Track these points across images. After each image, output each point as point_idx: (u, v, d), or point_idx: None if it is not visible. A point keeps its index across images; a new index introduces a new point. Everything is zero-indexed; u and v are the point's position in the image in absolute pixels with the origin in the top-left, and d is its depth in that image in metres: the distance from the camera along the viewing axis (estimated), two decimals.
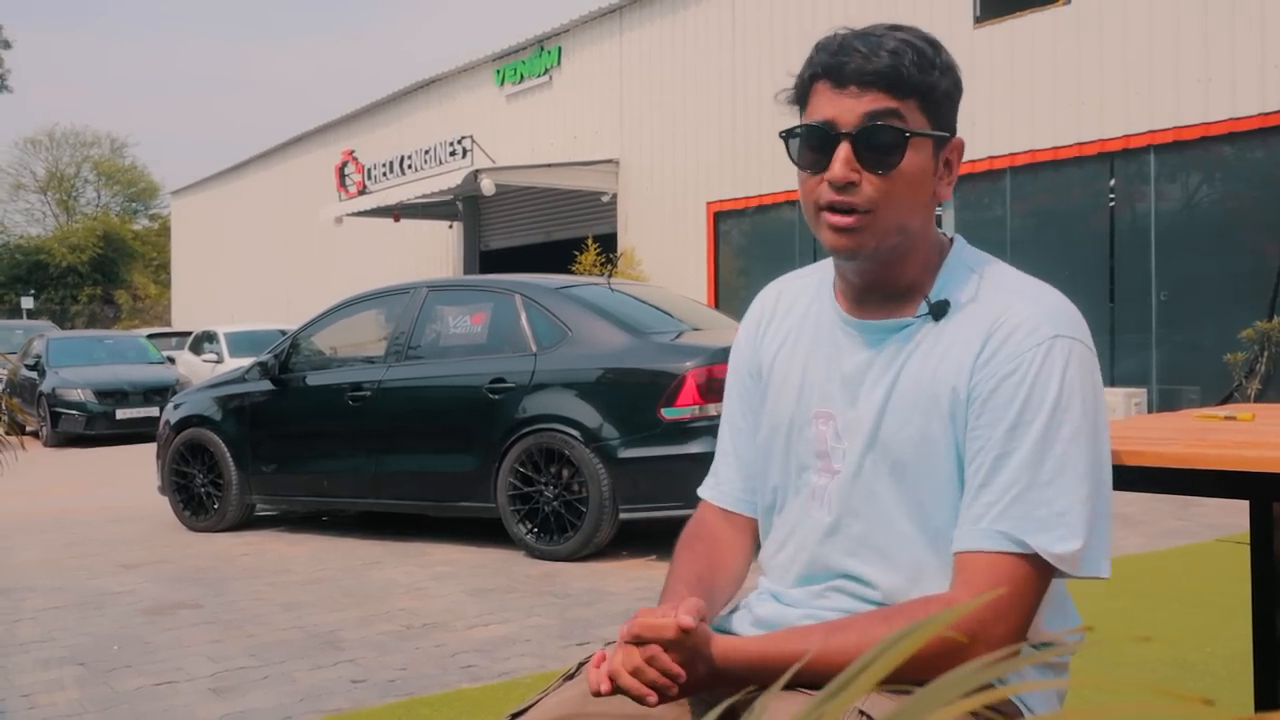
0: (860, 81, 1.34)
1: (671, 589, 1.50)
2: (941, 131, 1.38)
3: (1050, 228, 12.94)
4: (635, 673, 1.30)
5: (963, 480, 1.37)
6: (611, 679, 1.32)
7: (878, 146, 1.34)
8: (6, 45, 48.08)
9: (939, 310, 1.40)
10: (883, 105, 1.34)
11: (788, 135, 1.41)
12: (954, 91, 1.39)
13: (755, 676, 1.31)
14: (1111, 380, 11.69)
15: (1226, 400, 9.90)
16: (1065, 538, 1.29)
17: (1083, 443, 1.32)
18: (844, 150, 1.35)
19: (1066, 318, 1.37)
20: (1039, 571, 1.31)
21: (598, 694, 1.33)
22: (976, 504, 1.33)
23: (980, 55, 13.31)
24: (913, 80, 1.33)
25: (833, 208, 1.36)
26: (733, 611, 1.57)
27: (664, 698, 1.30)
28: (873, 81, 1.34)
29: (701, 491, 1.66)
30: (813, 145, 1.37)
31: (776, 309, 1.59)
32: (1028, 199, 13.21)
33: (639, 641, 1.31)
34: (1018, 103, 12.98)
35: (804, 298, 1.55)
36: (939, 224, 1.48)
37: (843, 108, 1.35)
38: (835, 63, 1.36)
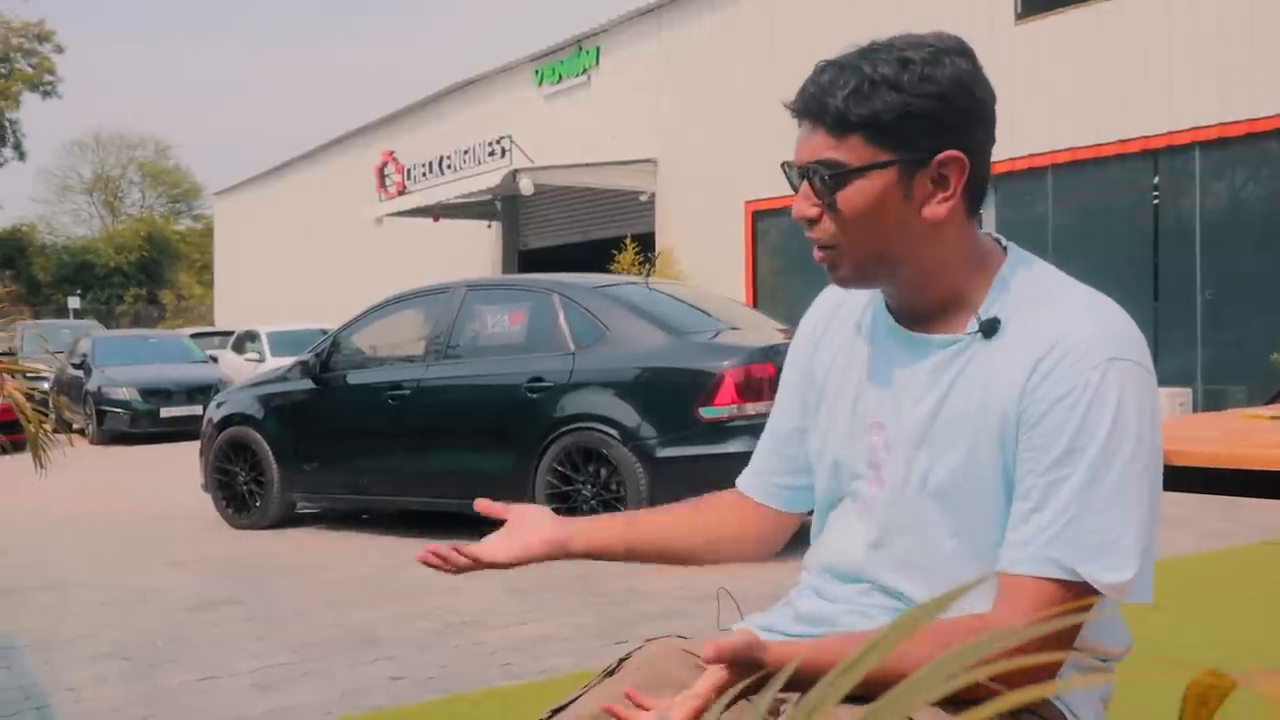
0: (806, 119, 1.37)
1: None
2: (904, 156, 1.32)
3: (1093, 226, 12.80)
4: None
5: (1009, 501, 1.34)
6: None
7: (820, 185, 1.36)
8: (58, 50, 48.87)
9: (989, 328, 1.36)
10: (822, 143, 1.35)
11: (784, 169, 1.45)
12: (928, 109, 1.32)
13: (799, 683, 1.30)
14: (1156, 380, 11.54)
15: (1273, 400, 9.74)
16: (1117, 566, 1.27)
17: (1138, 470, 1.29)
18: (803, 188, 1.38)
19: (1124, 338, 1.32)
20: (1087, 596, 1.29)
21: None
22: (1026, 526, 1.31)
23: (1022, 52, 13.19)
24: (847, 115, 1.32)
25: (812, 242, 1.40)
26: (777, 607, 1.58)
27: None
28: (815, 119, 1.35)
29: (739, 481, 1.68)
30: (788, 182, 1.43)
31: (836, 314, 1.57)
32: (1070, 197, 13.07)
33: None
34: (1060, 99, 12.84)
35: (860, 305, 1.53)
36: (979, 224, 1.46)
37: (800, 145, 1.38)
38: (794, 100, 1.39)
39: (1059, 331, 1.32)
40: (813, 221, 1.37)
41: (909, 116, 1.31)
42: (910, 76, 1.31)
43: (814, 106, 1.35)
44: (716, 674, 1.30)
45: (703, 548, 1.65)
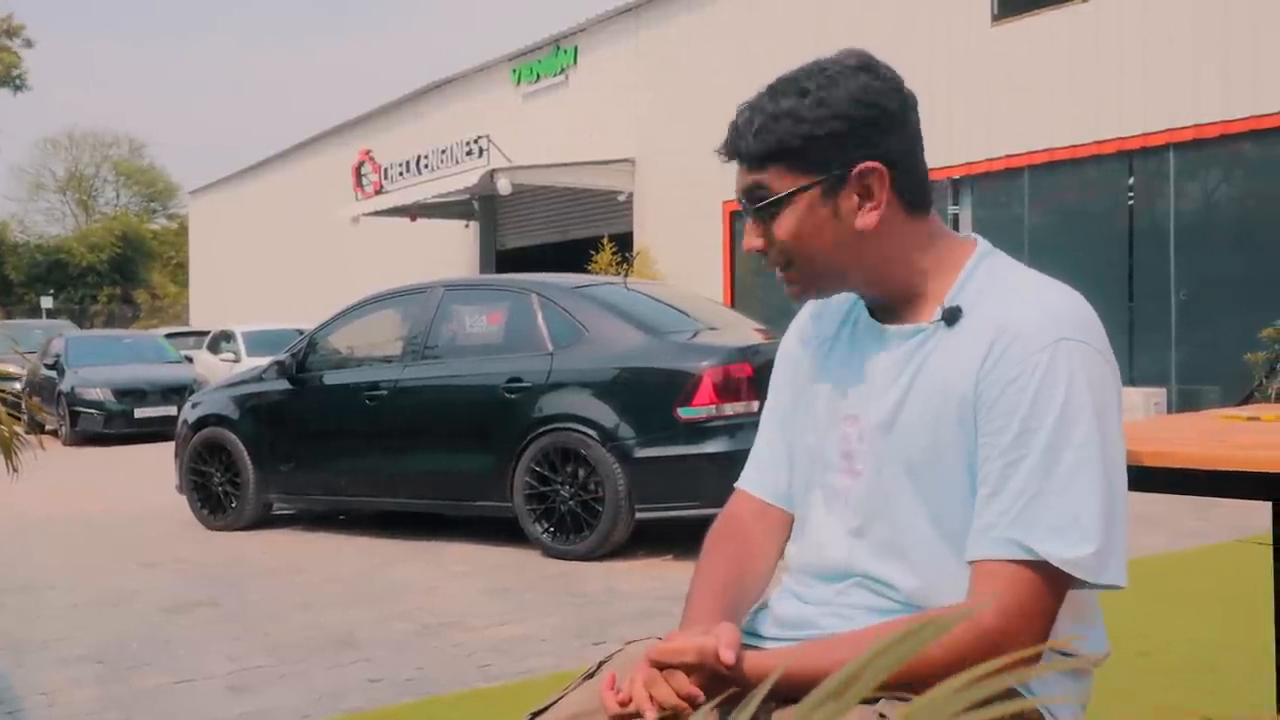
0: (733, 159, 1.47)
1: (697, 598, 1.50)
2: (821, 177, 1.39)
3: (1069, 227, 12.88)
4: (649, 688, 1.33)
5: (974, 484, 1.36)
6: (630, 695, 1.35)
7: (758, 216, 1.44)
8: (28, 44, 48.42)
9: (951, 316, 1.40)
10: (750, 180, 1.44)
11: None
12: (833, 130, 1.38)
13: (784, 690, 1.31)
14: (1131, 380, 11.63)
15: (1247, 400, 9.82)
16: (1078, 542, 1.28)
17: (1094, 447, 1.30)
18: (749, 223, 1.47)
19: (1074, 320, 1.35)
20: (1056, 579, 1.30)
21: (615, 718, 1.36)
22: (988, 511, 1.33)
23: (998, 53, 13.26)
24: (760, 151, 1.41)
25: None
26: (756, 610, 1.57)
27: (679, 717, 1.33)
28: (738, 159, 1.45)
29: (741, 482, 1.63)
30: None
31: (822, 314, 1.60)
32: (1046, 198, 13.15)
33: (659, 666, 1.34)
34: (1035, 101, 12.92)
35: (845, 303, 1.57)
36: (955, 225, 1.47)
37: (738, 183, 1.47)
38: (721, 144, 1.48)
39: (1010, 316, 1.36)
40: (763, 252, 1.46)
41: (815, 141, 1.38)
42: (809, 103, 1.39)
43: (733, 148, 1.45)
44: (646, 673, 1.34)
45: (766, 580, 1.59)
